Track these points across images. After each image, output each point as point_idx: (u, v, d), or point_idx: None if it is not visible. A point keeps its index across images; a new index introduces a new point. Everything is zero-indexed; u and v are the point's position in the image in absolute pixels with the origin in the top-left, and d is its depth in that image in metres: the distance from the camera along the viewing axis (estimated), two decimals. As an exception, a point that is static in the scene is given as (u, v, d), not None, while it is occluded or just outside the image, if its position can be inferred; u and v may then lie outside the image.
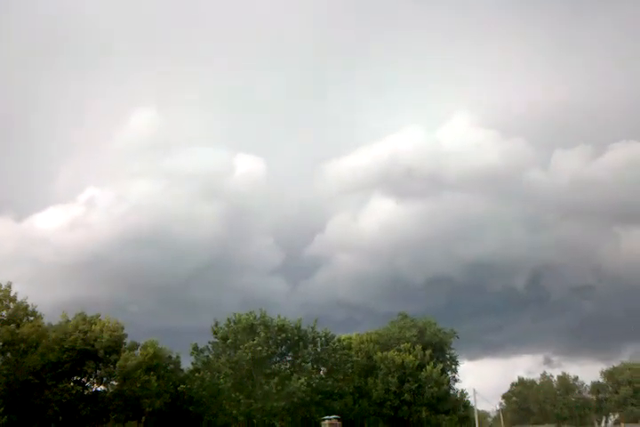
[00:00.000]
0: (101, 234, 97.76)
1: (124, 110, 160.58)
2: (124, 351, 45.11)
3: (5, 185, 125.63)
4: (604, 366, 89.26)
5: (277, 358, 48.50)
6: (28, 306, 43.76)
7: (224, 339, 47.31)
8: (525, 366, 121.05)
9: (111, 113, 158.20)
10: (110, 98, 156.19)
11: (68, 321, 45.97)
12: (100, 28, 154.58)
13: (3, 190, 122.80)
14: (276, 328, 47.69)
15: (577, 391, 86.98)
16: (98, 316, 46.87)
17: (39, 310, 44.37)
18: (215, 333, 48.29)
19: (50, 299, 68.72)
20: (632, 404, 79.15)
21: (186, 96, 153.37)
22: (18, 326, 41.98)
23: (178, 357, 49.84)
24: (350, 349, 53.60)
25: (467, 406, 61.63)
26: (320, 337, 49.73)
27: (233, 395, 45.25)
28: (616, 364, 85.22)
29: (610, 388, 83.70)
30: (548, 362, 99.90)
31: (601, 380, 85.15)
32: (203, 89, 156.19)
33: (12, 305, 42.88)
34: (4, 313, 42.61)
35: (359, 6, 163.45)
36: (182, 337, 73.09)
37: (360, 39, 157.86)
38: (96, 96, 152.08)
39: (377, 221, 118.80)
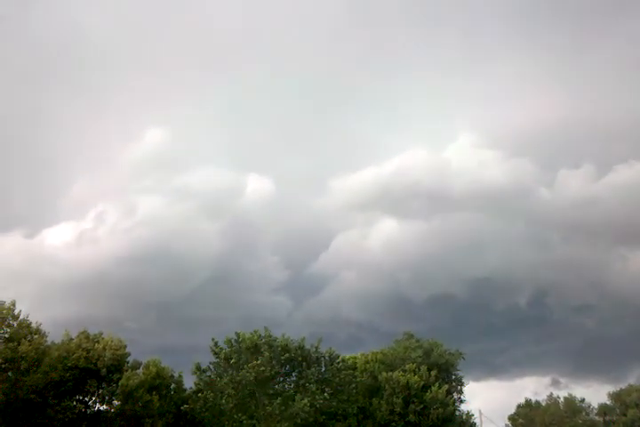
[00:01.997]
0: (108, 251, 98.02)
1: (137, 128, 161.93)
2: (127, 370, 44.73)
3: (17, 201, 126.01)
4: (610, 388, 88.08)
5: (280, 379, 47.92)
6: (30, 323, 43.59)
7: (227, 359, 46.83)
8: (532, 388, 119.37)
9: (124, 131, 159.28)
10: (123, 116, 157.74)
11: (71, 339, 45.64)
12: (115, 47, 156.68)
13: (14, 207, 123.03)
14: (280, 348, 47.25)
15: (584, 413, 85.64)
16: (100, 334, 46.60)
17: (43, 327, 44.24)
18: (215, 353, 47.76)
19: (55, 316, 68.42)
20: (640, 426, 78.04)
21: (198, 114, 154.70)
22: (19, 343, 41.71)
23: (180, 376, 49.29)
24: (355, 369, 53.00)
25: (472, 427, 60.75)
26: (324, 357, 49.26)
27: (235, 416, 44.65)
28: (623, 386, 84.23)
29: (617, 410, 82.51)
30: (555, 383, 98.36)
31: (608, 402, 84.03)
32: (213, 107, 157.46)
33: (15, 323, 42.73)
34: (7, 330, 42.42)
35: (366, 27, 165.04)
36: (183, 355, 72.53)
37: (367, 60, 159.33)
38: (109, 114, 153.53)
39: (382, 239, 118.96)
